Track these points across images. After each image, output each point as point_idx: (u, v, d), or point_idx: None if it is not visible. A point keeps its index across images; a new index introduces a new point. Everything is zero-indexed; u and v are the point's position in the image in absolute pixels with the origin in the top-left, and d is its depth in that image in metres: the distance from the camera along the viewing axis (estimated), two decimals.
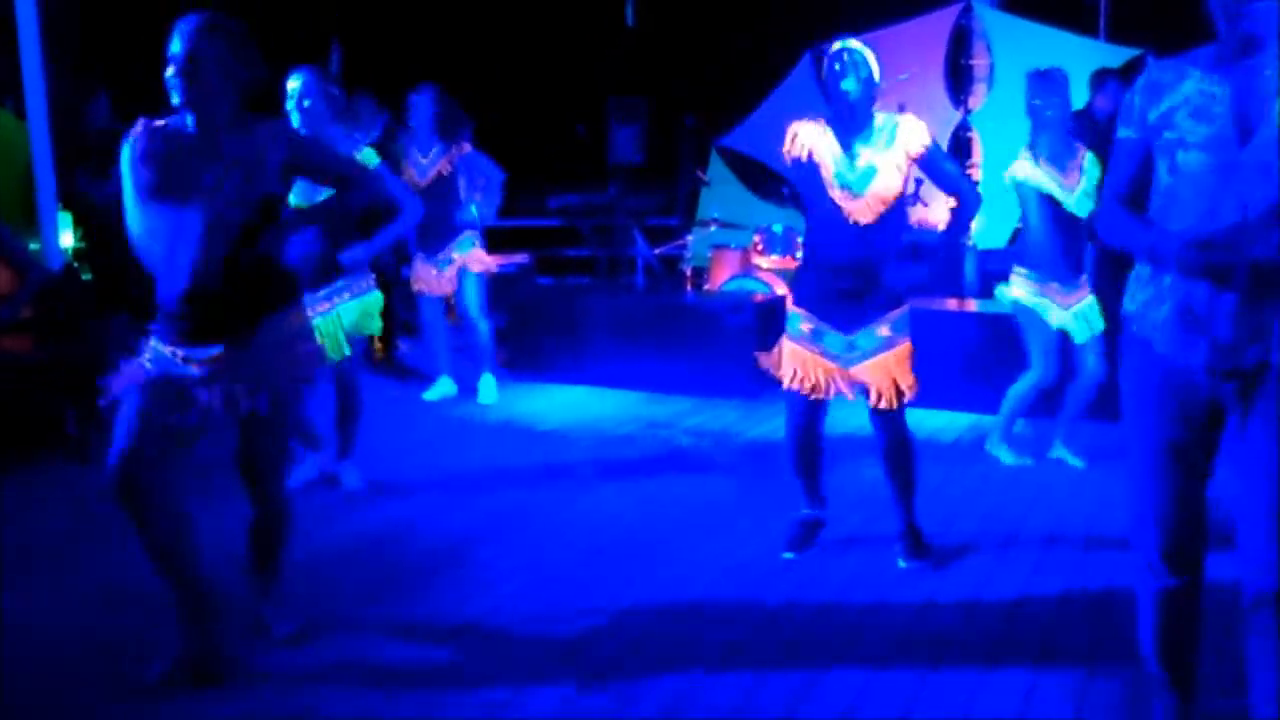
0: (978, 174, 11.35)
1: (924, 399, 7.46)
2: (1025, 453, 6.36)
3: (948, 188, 4.67)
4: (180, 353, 3.67)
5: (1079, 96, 8.44)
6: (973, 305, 8.30)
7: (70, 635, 4.18)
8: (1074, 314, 6.00)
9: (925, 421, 7.27)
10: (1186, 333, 2.89)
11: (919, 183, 10.60)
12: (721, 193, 11.38)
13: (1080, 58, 9.75)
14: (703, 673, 3.87)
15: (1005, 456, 6.35)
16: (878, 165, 4.52)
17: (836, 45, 4.54)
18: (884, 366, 4.64)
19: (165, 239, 3.63)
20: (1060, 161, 5.89)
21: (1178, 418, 2.99)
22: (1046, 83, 5.88)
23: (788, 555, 4.91)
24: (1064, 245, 5.99)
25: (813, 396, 4.74)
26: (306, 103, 5.49)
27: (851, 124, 4.57)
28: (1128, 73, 9.87)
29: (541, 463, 6.47)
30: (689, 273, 10.23)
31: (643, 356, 8.35)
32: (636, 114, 11.18)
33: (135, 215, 3.68)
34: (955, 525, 5.31)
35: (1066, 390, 6.26)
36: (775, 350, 4.85)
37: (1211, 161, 2.80)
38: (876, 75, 4.53)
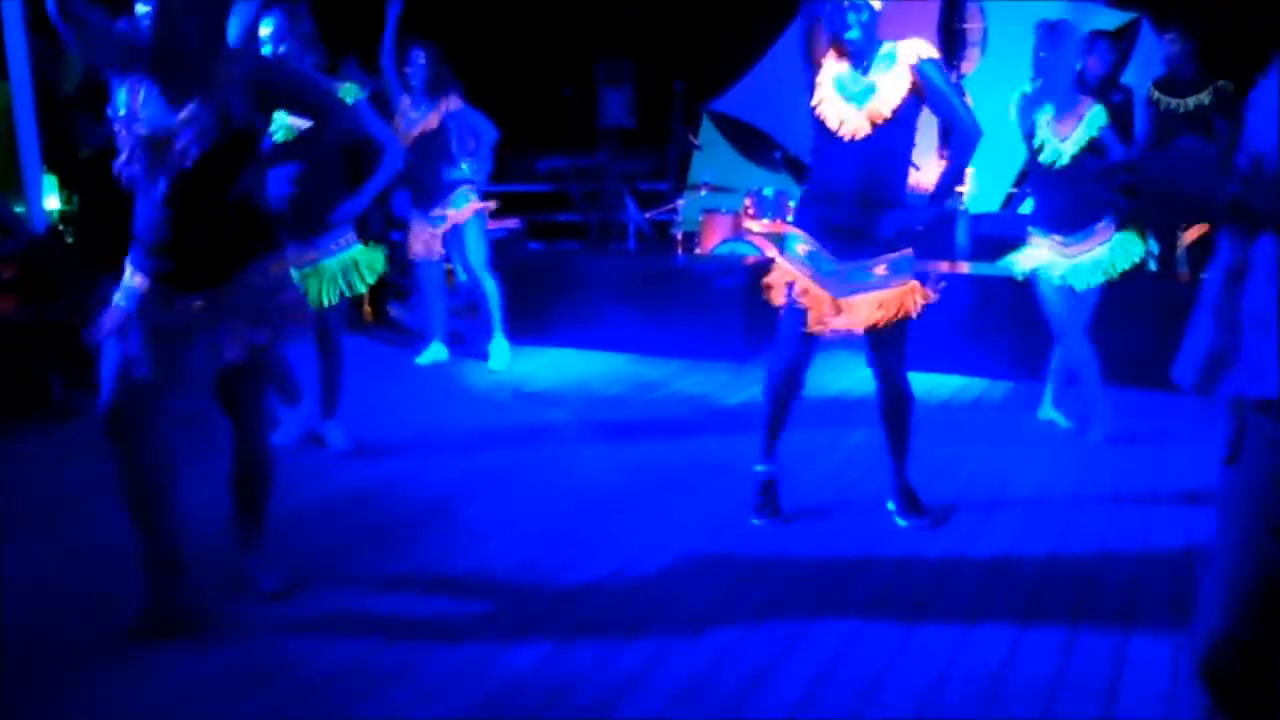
0: None
1: (914, 361, 7.54)
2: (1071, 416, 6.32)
3: (941, 111, 4.57)
4: (156, 295, 3.62)
5: None
6: (964, 268, 8.27)
7: (56, 592, 4.16)
8: (1076, 265, 5.97)
9: (914, 384, 7.26)
10: None
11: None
12: (713, 157, 11.35)
13: (1075, 21, 9.69)
14: (683, 630, 3.86)
15: (1061, 421, 6.33)
16: (878, 83, 4.49)
17: None
18: (874, 303, 4.59)
19: (143, 155, 3.56)
20: (1060, 112, 5.87)
21: None
22: (1054, 34, 5.85)
23: (755, 522, 4.86)
24: (1051, 196, 5.99)
25: (812, 328, 4.67)
26: (282, 47, 5.37)
27: (861, 58, 4.54)
28: (1121, 36, 9.83)
29: (530, 423, 6.45)
30: (680, 237, 10.21)
31: (633, 319, 8.33)
32: (625, 77, 11.12)
33: (119, 125, 3.60)
34: (942, 486, 5.29)
35: (1054, 350, 6.25)
36: (774, 267, 4.81)
37: None
38: (878, 5, 4.49)
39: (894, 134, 4.52)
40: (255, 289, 3.70)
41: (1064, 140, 5.86)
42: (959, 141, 4.55)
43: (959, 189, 10.18)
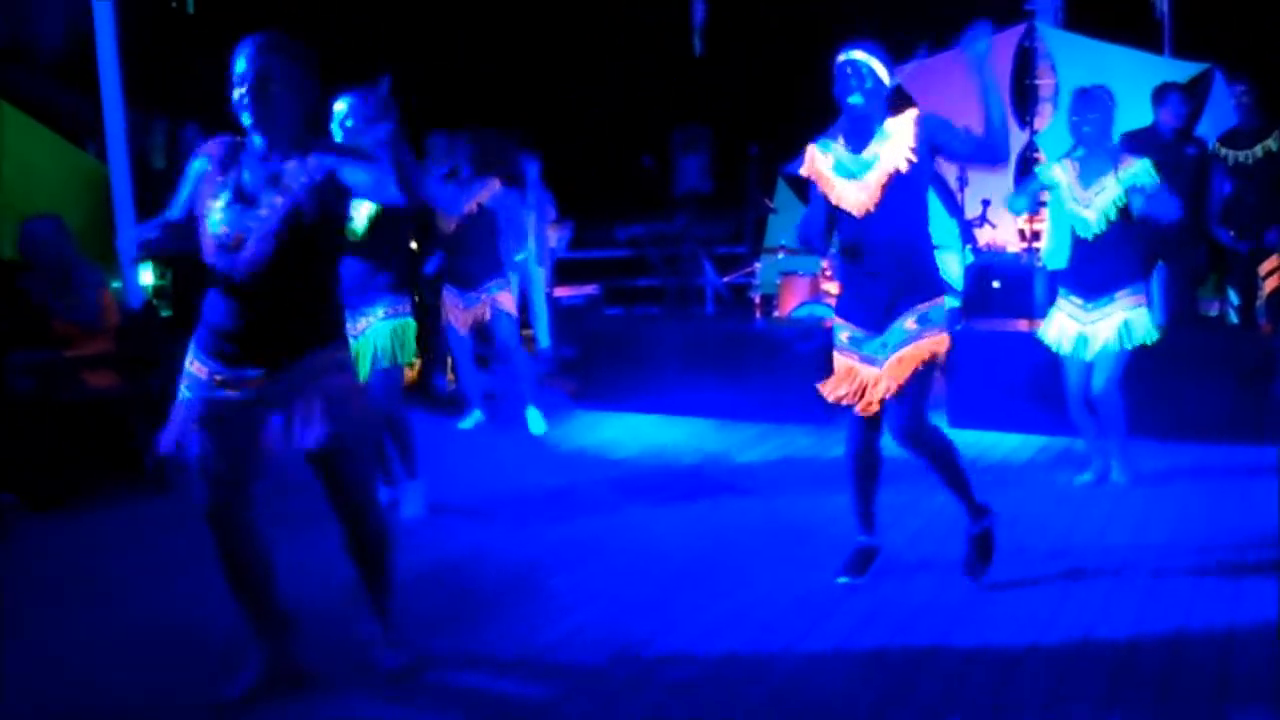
0: (1044, 194, 11.27)
1: (995, 421, 7.55)
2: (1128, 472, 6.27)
3: (965, 149, 4.58)
4: (218, 375, 3.70)
5: (1147, 113, 8.40)
6: (1042, 326, 8.23)
7: (153, 662, 4.26)
8: (1088, 333, 5.98)
9: (999, 444, 7.25)
10: None
11: (986, 203, 10.59)
12: (789, 219, 11.38)
13: (1146, 74, 9.66)
14: (774, 700, 3.87)
15: (1117, 476, 6.31)
16: (881, 154, 4.53)
17: (840, 57, 4.54)
18: (904, 359, 4.57)
19: (223, 254, 3.66)
20: (1086, 178, 5.89)
21: None
22: (1085, 99, 5.90)
23: (842, 580, 4.87)
24: (1076, 259, 6.03)
25: (863, 411, 4.71)
26: (349, 123, 5.47)
27: (863, 131, 4.59)
28: (1193, 87, 9.79)
29: (612, 491, 6.50)
30: (758, 300, 10.25)
31: (712, 384, 8.38)
32: (701, 143, 11.24)
33: (202, 229, 3.71)
34: (1026, 552, 5.26)
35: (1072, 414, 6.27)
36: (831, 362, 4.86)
37: None
38: (885, 79, 4.53)
39: (904, 196, 4.54)
40: (318, 373, 3.75)
41: (1087, 208, 5.86)
42: (990, 139, 4.48)
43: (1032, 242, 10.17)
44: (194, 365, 3.76)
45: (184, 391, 3.76)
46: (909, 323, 4.58)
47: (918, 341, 4.57)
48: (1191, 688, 3.89)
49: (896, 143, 4.52)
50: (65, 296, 6.68)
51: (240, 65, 3.61)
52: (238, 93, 3.62)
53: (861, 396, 4.69)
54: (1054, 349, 6.12)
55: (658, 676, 4.07)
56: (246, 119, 3.64)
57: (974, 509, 4.86)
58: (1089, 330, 5.97)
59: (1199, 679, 3.95)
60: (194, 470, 3.75)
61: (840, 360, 4.77)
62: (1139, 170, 5.80)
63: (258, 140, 3.71)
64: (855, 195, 4.56)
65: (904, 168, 4.50)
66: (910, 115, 4.57)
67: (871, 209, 4.54)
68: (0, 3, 8.66)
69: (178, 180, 3.77)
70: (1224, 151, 8.43)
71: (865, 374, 4.67)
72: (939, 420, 7.34)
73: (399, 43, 12.41)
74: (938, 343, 4.60)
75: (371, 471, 4.04)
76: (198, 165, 3.75)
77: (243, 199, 3.66)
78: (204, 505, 3.76)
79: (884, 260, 4.56)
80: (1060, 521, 5.71)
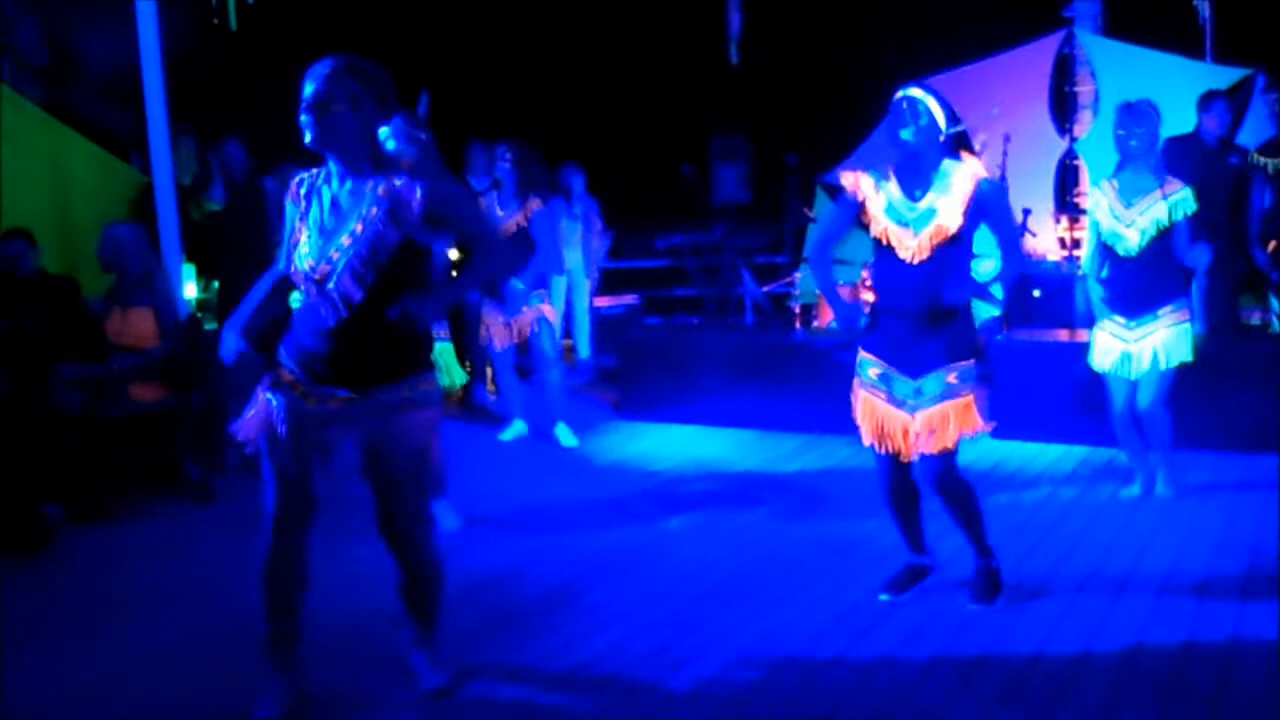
0: (1085, 201, 11.22)
1: (1037, 432, 7.51)
2: (1173, 485, 6.24)
3: (1000, 230, 4.62)
4: (302, 386, 3.73)
5: (1188, 119, 8.34)
6: (1084, 336, 8.18)
7: (195, 673, 4.31)
8: (1132, 352, 5.93)
9: (1041, 455, 7.22)
10: None
11: (1027, 213, 10.54)
12: None
13: (1187, 80, 9.62)
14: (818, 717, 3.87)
15: (1162, 489, 6.26)
16: (938, 207, 4.50)
17: (898, 94, 4.54)
18: (944, 414, 4.54)
19: (311, 285, 3.69)
20: (1128, 195, 5.85)
21: None
22: (1130, 114, 5.84)
23: (883, 597, 4.87)
24: (1116, 277, 5.95)
25: (893, 455, 4.68)
26: (390, 144, 5.53)
27: (916, 169, 4.57)
28: (1235, 93, 9.72)
29: (653, 503, 6.50)
30: (797, 310, 10.25)
31: (753, 395, 8.36)
32: (739, 153, 11.24)
33: (298, 253, 3.73)
34: (1073, 565, 5.24)
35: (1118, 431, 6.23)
36: (852, 395, 4.81)
37: None
38: (941, 122, 4.51)
39: (955, 251, 4.53)
40: (397, 402, 3.77)
41: (1129, 226, 5.82)
42: (1004, 269, 4.66)
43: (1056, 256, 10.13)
44: (281, 371, 3.78)
45: (266, 393, 3.78)
46: (951, 377, 4.55)
47: (957, 398, 4.56)
48: (1244, 704, 3.87)
49: (953, 198, 4.49)
50: (137, 302, 6.76)
51: (307, 88, 3.63)
52: (303, 117, 3.64)
53: (888, 438, 4.66)
54: (1100, 370, 6.07)
55: (700, 691, 4.07)
56: (307, 137, 3.65)
57: (984, 549, 4.84)
58: (1133, 348, 5.93)
59: (1252, 695, 3.93)
60: (266, 473, 3.78)
61: (865, 396, 4.72)
62: (1183, 198, 5.77)
63: (333, 166, 3.73)
64: (907, 242, 4.52)
65: (958, 224, 4.48)
66: (970, 172, 4.53)
67: (923, 260, 4.52)
68: (51, 21, 8.77)
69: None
70: (1263, 160, 8.34)
71: (893, 418, 4.63)
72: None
73: (440, 52, 12.48)
74: (969, 402, 4.59)
75: (425, 504, 4.01)
76: (290, 207, 3.79)
77: (325, 229, 3.70)
78: (271, 510, 3.79)
79: (924, 308, 4.51)
80: (1106, 534, 5.67)
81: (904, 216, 4.55)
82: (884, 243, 4.59)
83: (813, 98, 12.74)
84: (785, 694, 4.05)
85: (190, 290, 8.24)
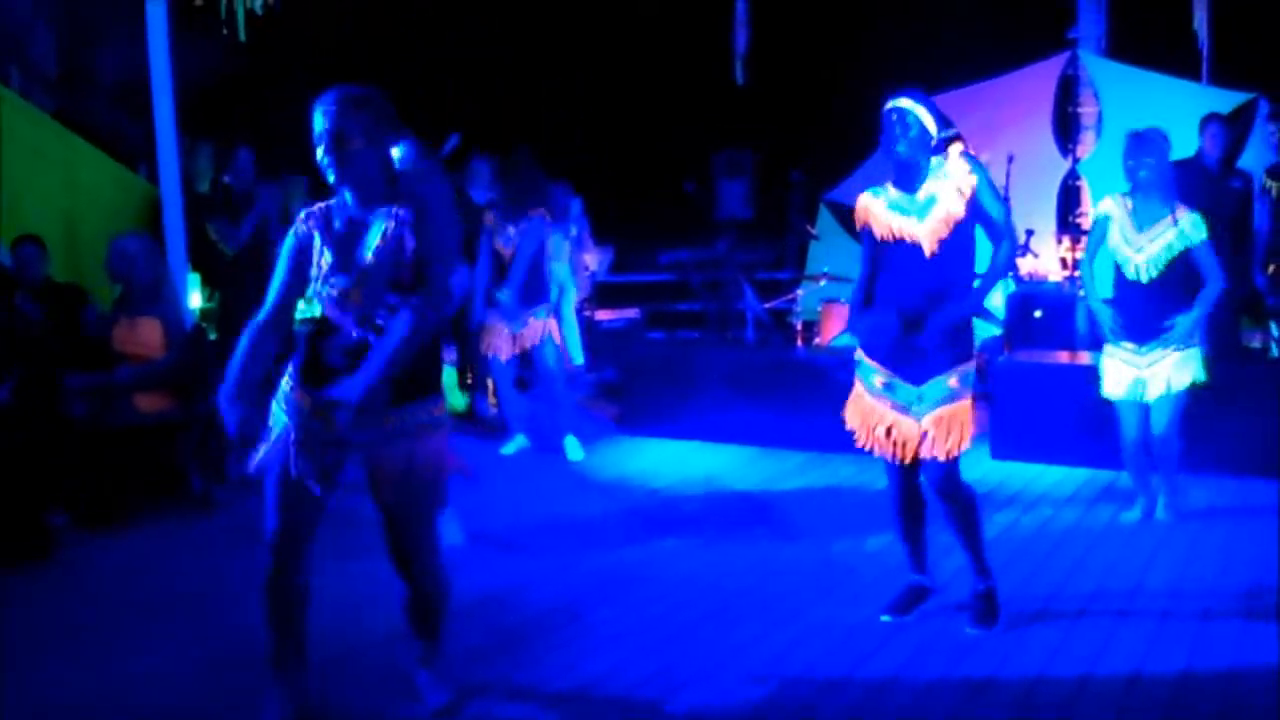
0: (1087, 222, 11.26)
1: (1038, 454, 7.52)
2: (1174, 509, 6.25)
3: (990, 222, 4.59)
4: (318, 407, 3.73)
5: (1190, 143, 8.37)
6: (1085, 358, 8.21)
7: (197, 688, 4.32)
8: (1144, 379, 5.94)
9: (1042, 477, 7.23)
10: None
11: (1029, 233, 10.59)
12: (830, 246, 11.44)
13: (1190, 103, 9.66)
14: None
15: (1161, 514, 6.28)
16: (938, 193, 4.54)
17: (888, 105, 4.57)
18: (946, 417, 4.58)
19: (338, 310, 3.71)
20: (1140, 220, 5.87)
21: None
22: (1139, 143, 5.86)
23: (885, 618, 4.88)
24: (1127, 303, 5.96)
25: (900, 458, 4.71)
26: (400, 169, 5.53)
27: (910, 177, 4.61)
28: (1237, 117, 9.76)
29: (655, 520, 6.51)
30: (799, 326, 10.27)
31: (755, 411, 8.37)
32: (743, 168, 11.28)
33: (321, 277, 3.74)
34: (1074, 589, 5.26)
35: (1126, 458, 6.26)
36: (850, 400, 4.83)
37: None
38: (932, 129, 4.55)
39: (957, 246, 4.55)
40: (412, 431, 3.79)
41: (1138, 252, 5.84)
42: (1002, 255, 4.61)
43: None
44: (295, 392, 3.79)
45: (279, 415, 3.80)
46: (952, 380, 4.59)
47: (959, 401, 4.59)
48: None
49: (951, 185, 4.53)
50: (144, 312, 6.78)
51: (319, 124, 3.64)
52: (320, 152, 3.65)
53: (898, 444, 4.68)
54: (1110, 398, 6.09)
55: (703, 712, 4.09)
56: (331, 177, 3.68)
57: (982, 568, 4.85)
58: (1145, 374, 5.94)
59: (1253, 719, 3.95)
60: (269, 495, 3.79)
61: (871, 404, 4.74)
62: (1193, 224, 5.79)
63: (348, 196, 3.75)
64: (918, 230, 4.55)
65: (961, 212, 4.51)
66: (960, 158, 4.56)
67: (936, 249, 4.54)
68: (62, 31, 8.81)
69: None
70: (1270, 184, 8.37)
71: (903, 425, 4.65)
72: (980, 451, 7.40)
73: (444, 67, 12.53)
74: (970, 404, 4.62)
75: (432, 528, 4.02)
76: (294, 241, 3.78)
77: (346, 256, 3.71)
78: (271, 531, 3.80)
79: (929, 308, 4.52)
80: (1107, 558, 5.69)
81: (907, 209, 4.59)
82: (891, 240, 4.61)
83: (817, 115, 12.80)
84: (792, 712, 4.06)
85: (195, 300, 8.25)
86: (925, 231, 4.54)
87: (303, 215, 3.81)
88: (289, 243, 3.80)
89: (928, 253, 4.55)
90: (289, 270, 3.78)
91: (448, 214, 3.88)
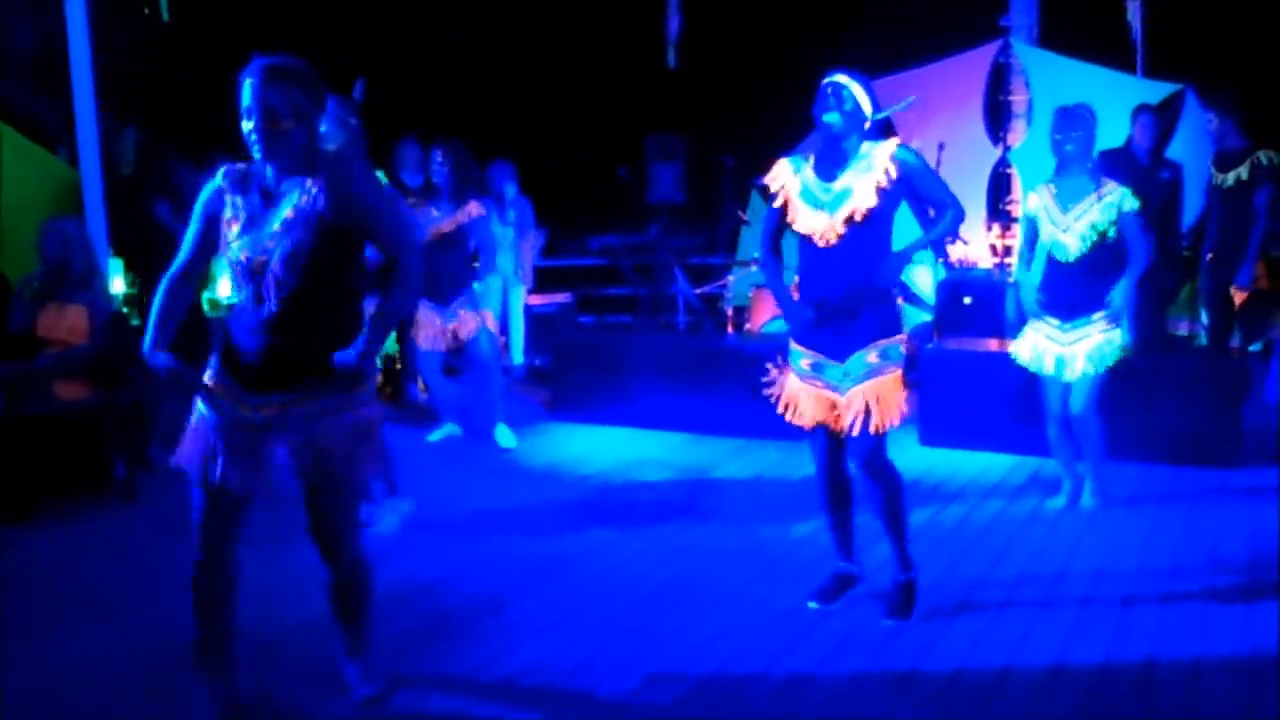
0: (1017, 210, 11.35)
1: (965, 440, 7.58)
2: (1099, 496, 6.31)
3: (931, 194, 4.61)
4: (238, 395, 3.68)
5: (1120, 133, 8.45)
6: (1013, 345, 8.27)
7: (123, 682, 4.24)
8: (1066, 355, 6.00)
9: (968, 463, 7.29)
10: None
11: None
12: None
13: (1120, 94, 9.75)
14: None
15: (1088, 500, 6.35)
16: (854, 187, 4.54)
17: (825, 79, 4.57)
18: (872, 391, 4.58)
19: (247, 278, 3.65)
20: (1065, 200, 5.92)
21: None
22: (1066, 117, 5.90)
23: (812, 605, 4.90)
24: (1053, 281, 6.02)
25: (834, 429, 4.73)
26: (322, 128, 5.46)
27: (836, 155, 4.61)
28: (1165, 108, 9.86)
29: (585, 508, 6.50)
30: (730, 312, 10.28)
31: (685, 397, 8.37)
32: (675, 153, 11.27)
33: (223, 259, 3.71)
34: (998, 576, 5.30)
35: (1049, 433, 6.32)
36: (779, 384, 4.86)
37: None
38: (867, 108, 4.56)
39: (872, 232, 4.55)
40: (337, 408, 3.72)
41: (1065, 231, 5.89)
42: (946, 219, 4.59)
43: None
44: (214, 383, 3.73)
45: (201, 408, 3.74)
46: (871, 356, 4.60)
47: (880, 376, 4.59)
48: (1163, 714, 3.93)
49: (869, 177, 4.52)
50: (74, 299, 6.65)
51: (246, 98, 3.58)
52: (246, 126, 3.59)
53: (823, 422, 4.73)
54: (1032, 370, 6.14)
55: (631, 701, 4.08)
56: (257, 152, 3.62)
57: (904, 558, 4.86)
58: (1067, 352, 6.00)
59: (1171, 705, 3.99)
60: (196, 488, 3.72)
61: (801, 386, 4.77)
62: (1120, 196, 5.84)
63: (269, 170, 3.68)
64: (819, 225, 4.57)
65: (873, 203, 4.50)
66: (889, 149, 4.56)
67: (834, 242, 4.55)
68: None
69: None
70: (1214, 173, 8.47)
71: (826, 401, 4.70)
72: (909, 438, 7.44)
73: (373, 50, 12.38)
74: (896, 379, 4.63)
75: (355, 510, 3.96)
76: (208, 197, 3.72)
77: (259, 224, 3.64)
78: (198, 523, 3.73)
79: (844, 293, 4.56)
80: (1031, 546, 5.73)
81: (818, 199, 4.59)
82: (801, 231, 4.63)
83: (750, 100, 12.78)
84: (710, 708, 4.06)
85: (117, 285, 8.10)
86: (830, 226, 4.55)
87: (222, 172, 3.73)
88: (204, 196, 3.73)
89: (827, 244, 4.55)
90: (201, 225, 3.73)
91: (374, 190, 3.82)
